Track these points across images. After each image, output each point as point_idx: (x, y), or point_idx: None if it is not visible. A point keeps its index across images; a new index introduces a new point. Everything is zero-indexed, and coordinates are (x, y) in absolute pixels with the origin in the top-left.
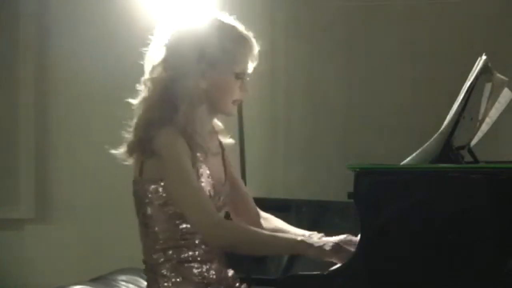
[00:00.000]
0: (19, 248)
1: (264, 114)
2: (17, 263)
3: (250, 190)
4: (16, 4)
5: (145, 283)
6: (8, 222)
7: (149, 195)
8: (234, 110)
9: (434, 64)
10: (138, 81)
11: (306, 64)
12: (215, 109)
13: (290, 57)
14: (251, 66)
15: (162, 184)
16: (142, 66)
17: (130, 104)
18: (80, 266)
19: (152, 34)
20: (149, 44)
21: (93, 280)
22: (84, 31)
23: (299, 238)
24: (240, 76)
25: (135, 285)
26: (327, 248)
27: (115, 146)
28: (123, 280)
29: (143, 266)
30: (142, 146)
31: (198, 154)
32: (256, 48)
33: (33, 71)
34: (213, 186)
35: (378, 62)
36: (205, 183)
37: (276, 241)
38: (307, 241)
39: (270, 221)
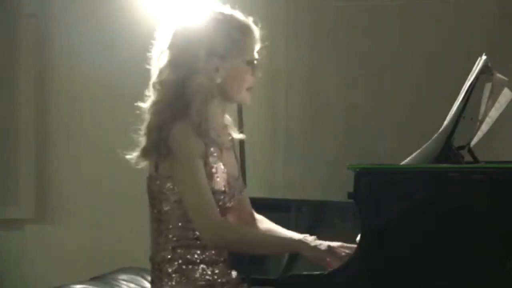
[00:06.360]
0: (19, 248)
1: (264, 114)
2: (17, 263)
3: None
4: (16, 4)
5: (145, 283)
6: (8, 222)
7: (166, 192)
8: (248, 97)
9: (434, 64)
10: (139, 82)
11: (306, 64)
12: (229, 100)
13: (290, 57)
14: (256, 50)
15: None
16: (142, 66)
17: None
18: (80, 266)
19: (153, 35)
20: (150, 44)
21: (93, 279)
22: (84, 32)
23: (296, 237)
24: (251, 62)
25: (136, 284)
26: (322, 248)
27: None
28: (123, 279)
29: (143, 266)
30: (157, 147)
31: (212, 149)
32: (258, 32)
33: (33, 71)
34: (228, 182)
35: (378, 62)
36: (220, 178)
37: (274, 240)
38: (304, 240)
39: (263, 222)
